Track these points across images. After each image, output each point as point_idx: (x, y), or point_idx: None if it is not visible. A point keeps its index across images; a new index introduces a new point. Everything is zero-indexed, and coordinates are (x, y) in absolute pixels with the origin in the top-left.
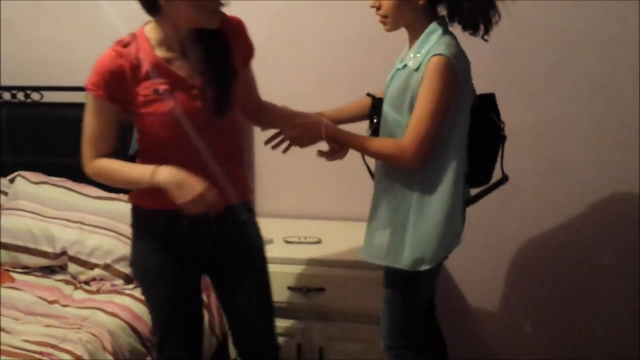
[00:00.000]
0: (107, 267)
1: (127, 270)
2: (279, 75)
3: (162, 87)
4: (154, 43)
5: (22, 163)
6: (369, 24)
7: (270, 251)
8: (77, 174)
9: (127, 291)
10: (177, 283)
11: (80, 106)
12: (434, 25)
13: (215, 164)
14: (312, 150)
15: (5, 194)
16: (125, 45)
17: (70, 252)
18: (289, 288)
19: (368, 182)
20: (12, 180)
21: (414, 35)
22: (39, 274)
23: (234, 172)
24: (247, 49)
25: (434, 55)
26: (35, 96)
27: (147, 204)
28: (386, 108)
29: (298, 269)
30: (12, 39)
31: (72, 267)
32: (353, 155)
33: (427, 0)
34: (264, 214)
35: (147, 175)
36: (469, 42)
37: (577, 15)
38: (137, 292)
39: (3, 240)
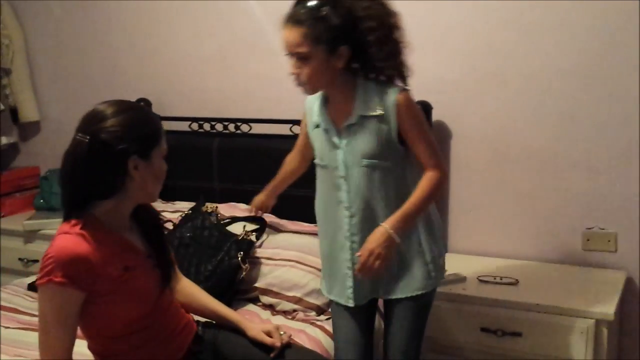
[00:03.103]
0: (299, 300)
1: (318, 301)
2: (481, 110)
3: (131, 263)
4: (106, 221)
5: (229, 190)
6: (584, 53)
7: (463, 289)
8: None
9: (318, 322)
10: None
11: (284, 138)
12: (362, 79)
13: (177, 328)
14: (508, 187)
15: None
16: (83, 227)
17: (261, 285)
18: (482, 329)
19: (568, 223)
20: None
21: (338, 91)
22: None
23: (183, 321)
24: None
25: (397, 94)
26: (244, 127)
27: None
28: (367, 162)
29: (493, 310)
30: (225, 74)
31: (265, 299)
32: (552, 194)
33: (345, 64)
34: (457, 250)
35: None
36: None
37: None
38: (328, 324)
39: None
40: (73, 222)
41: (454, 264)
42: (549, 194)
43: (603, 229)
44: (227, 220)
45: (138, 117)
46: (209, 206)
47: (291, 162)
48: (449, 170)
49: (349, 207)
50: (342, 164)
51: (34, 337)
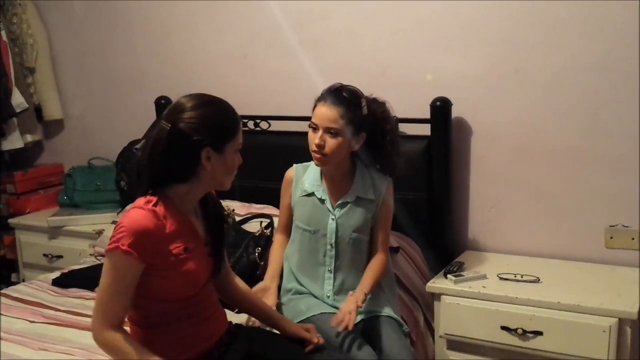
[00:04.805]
0: None
1: None
2: (502, 106)
3: (191, 245)
4: (177, 202)
5: (248, 187)
6: (607, 48)
7: (484, 287)
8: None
9: None
10: None
11: (304, 135)
12: (360, 164)
13: (212, 316)
14: (530, 184)
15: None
16: (155, 204)
17: None
18: (503, 328)
19: (590, 220)
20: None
21: (340, 170)
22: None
23: (220, 311)
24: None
25: (388, 184)
26: (263, 125)
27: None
28: (354, 235)
29: (513, 308)
30: (244, 71)
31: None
32: (574, 191)
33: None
34: (477, 247)
35: None
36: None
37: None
38: None
39: None
40: (148, 198)
41: (474, 261)
42: (571, 191)
43: (627, 226)
44: (242, 219)
45: (216, 112)
46: (225, 208)
47: (282, 246)
48: (470, 167)
49: (332, 270)
50: (333, 233)
51: (59, 331)
